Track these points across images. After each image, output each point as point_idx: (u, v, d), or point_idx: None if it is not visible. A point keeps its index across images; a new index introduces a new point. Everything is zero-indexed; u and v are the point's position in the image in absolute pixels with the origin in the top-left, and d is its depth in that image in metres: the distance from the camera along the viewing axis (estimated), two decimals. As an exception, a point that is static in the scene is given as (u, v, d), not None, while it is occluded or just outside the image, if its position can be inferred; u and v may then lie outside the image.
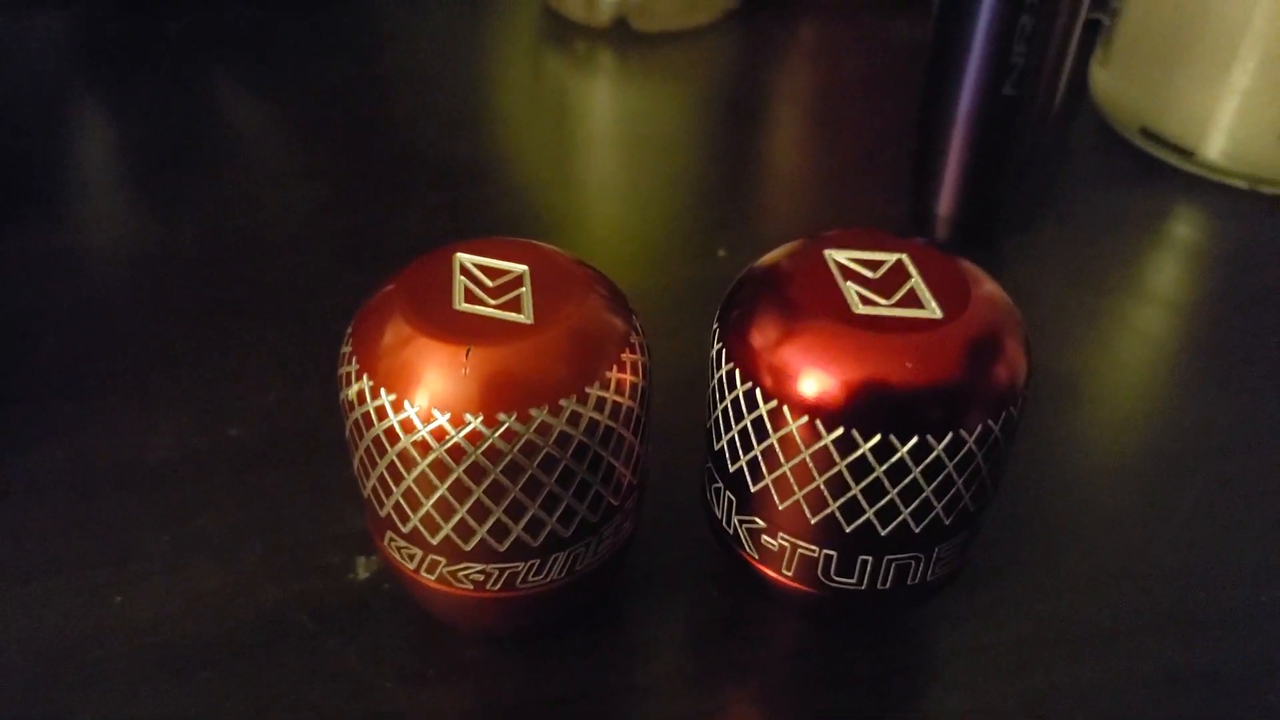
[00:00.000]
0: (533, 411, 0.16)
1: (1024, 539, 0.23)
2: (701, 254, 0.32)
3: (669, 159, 0.38)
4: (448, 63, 0.45)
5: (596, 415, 0.16)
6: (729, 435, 0.18)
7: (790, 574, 0.19)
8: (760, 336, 0.17)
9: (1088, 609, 0.22)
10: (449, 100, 0.42)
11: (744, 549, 0.19)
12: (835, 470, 0.17)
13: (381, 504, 0.17)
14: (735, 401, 0.18)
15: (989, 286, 0.18)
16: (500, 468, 0.16)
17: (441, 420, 0.16)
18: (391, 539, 0.18)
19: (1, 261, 0.31)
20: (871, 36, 0.46)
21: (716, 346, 0.18)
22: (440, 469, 0.16)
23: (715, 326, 0.18)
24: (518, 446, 0.16)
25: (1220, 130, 0.35)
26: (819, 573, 0.18)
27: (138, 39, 0.44)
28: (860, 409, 0.16)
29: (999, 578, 0.22)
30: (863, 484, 0.17)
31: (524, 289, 0.17)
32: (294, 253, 0.32)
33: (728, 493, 0.19)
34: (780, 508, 0.18)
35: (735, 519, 0.19)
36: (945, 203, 0.31)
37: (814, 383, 0.16)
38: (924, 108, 0.30)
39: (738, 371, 0.17)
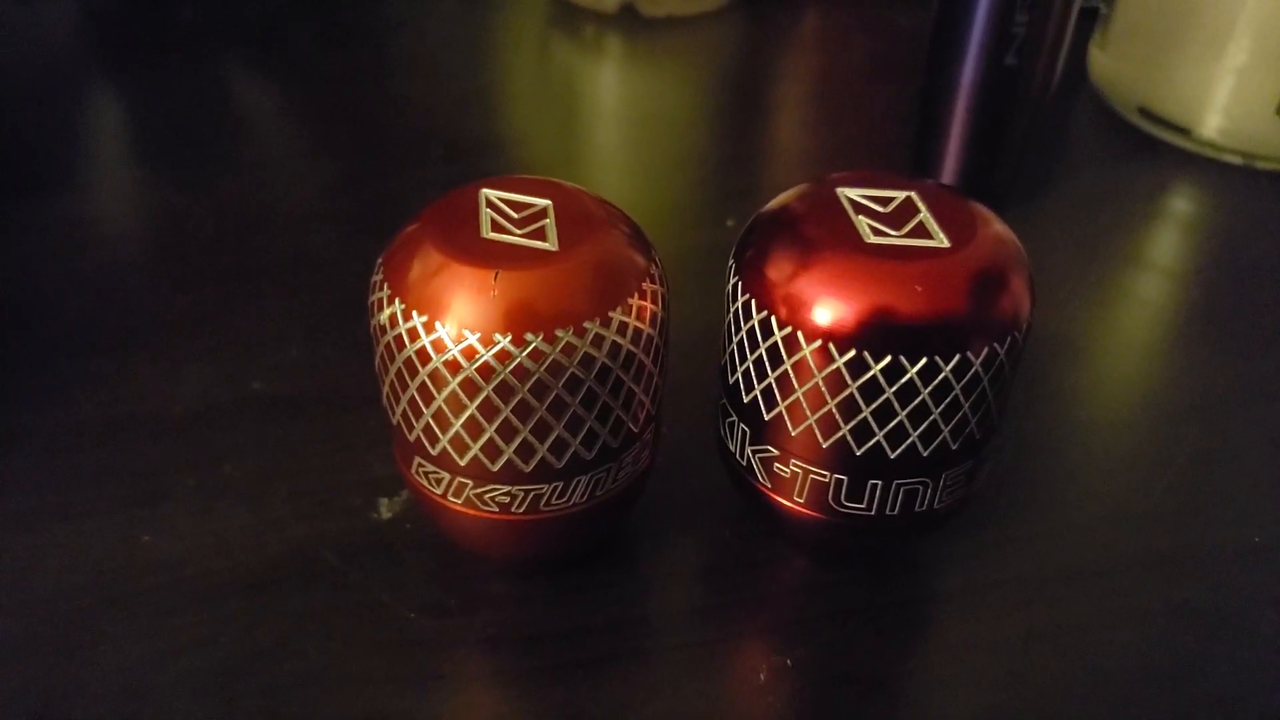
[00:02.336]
0: (558, 332, 0.17)
1: (1026, 484, 0.24)
2: (710, 223, 0.33)
3: (676, 138, 0.39)
4: (457, 48, 0.46)
5: (619, 339, 0.17)
6: (744, 366, 0.19)
7: (802, 500, 0.19)
8: (775, 267, 0.18)
9: (1087, 549, 0.22)
10: (459, 84, 0.43)
11: (757, 479, 0.20)
12: (847, 393, 0.17)
13: (411, 428, 0.18)
14: (751, 331, 0.18)
15: (995, 222, 0.18)
16: (528, 387, 0.17)
17: (472, 340, 0.16)
18: (420, 465, 0.19)
19: (28, 229, 0.32)
20: (874, 24, 0.47)
21: (732, 281, 0.19)
22: (470, 388, 0.17)
23: (731, 263, 0.19)
24: (544, 366, 0.17)
25: (1216, 108, 0.36)
26: (830, 498, 0.19)
27: (151, 26, 0.45)
28: (871, 332, 0.17)
29: (1002, 520, 0.23)
30: (873, 406, 0.17)
31: (548, 220, 0.18)
32: (311, 224, 0.33)
33: (742, 425, 0.20)
34: (793, 434, 0.18)
35: (749, 450, 0.20)
36: (948, 172, 0.32)
37: (827, 308, 0.17)
38: (928, 79, 0.31)
39: (754, 302, 0.18)
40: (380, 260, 0.18)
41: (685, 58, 0.45)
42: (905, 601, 0.21)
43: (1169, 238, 0.34)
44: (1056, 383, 0.27)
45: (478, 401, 0.17)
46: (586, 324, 0.17)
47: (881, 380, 0.17)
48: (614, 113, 0.42)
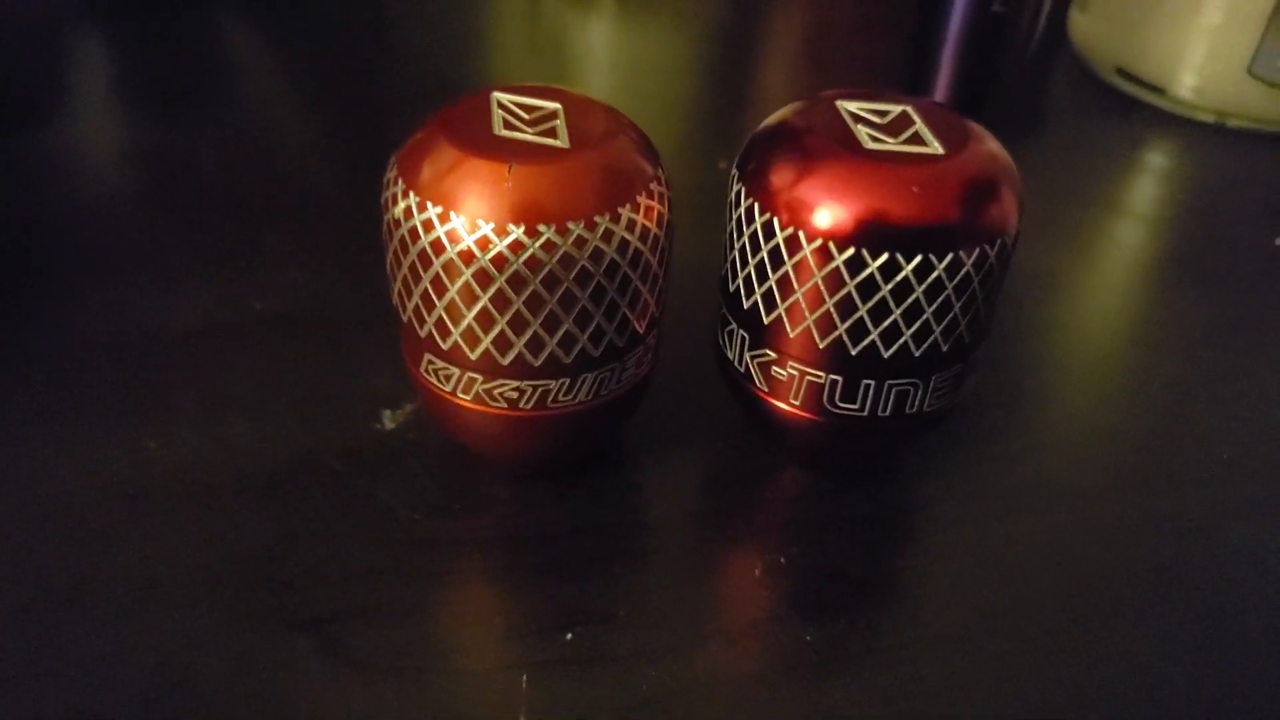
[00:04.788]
0: (570, 225, 0.17)
1: (1009, 405, 0.25)
2: (703, 166, 0.34)
3: (667, 87, 0.40)
4: (448, 3, 0.46)
5: (627, 235, 0.18)
6: (745, 272, 0.19)
7: (798, 403, 0.20)
8: (777, 173, 0.19)
9: (1066, 465, 0.23)
10: (451, 35, 0.43)
11: (755, 384, 0.20)
12: (845, 291, 0.18)
13: (423, 322, 0.19)
14: (754, 236, 0.19)
15: (986, 136, 0.19)
16: (539, 278, 0.17)
17: (485, 230, 0.17)
18: (429, 362, 0.19)
19: (28, 159, 0.32)
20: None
21: (735, 189, 0.20)
22: (483, 278, 0.17)
23: (734, 171, 0.20)
24: (556, 258, 0.17)
25: (1190, 68, 0.37)
26: (825, 400, 0.20)
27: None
28: (869, 231, 0.18)
29: (986, 437, 0.24)
30: (869, 304, 0.18)
31: (559, 121, 0.18)
32: (308, 159, 0.33)
33: (741, 331, 0.20)
34: (791, 336, 0.19)
35: (748, 355, 0.20)
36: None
37: (828, 209, 0.18)
38: (918, 26, 0.32)
39: (756, 206, 0.19)
40: (394, 158, 0.19)
41: (675, 9, 0.46)
42: (895, 508, 0.22)
43: (1144, 188, 0.35)
44: (1039, 314, 0.28)
45: (490, 293, 0.17)
46: (597, 218, 0.17)
47: (878, 278, 0.18)
48: (604, 62, 0.42)
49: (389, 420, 0.23)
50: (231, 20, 0.43)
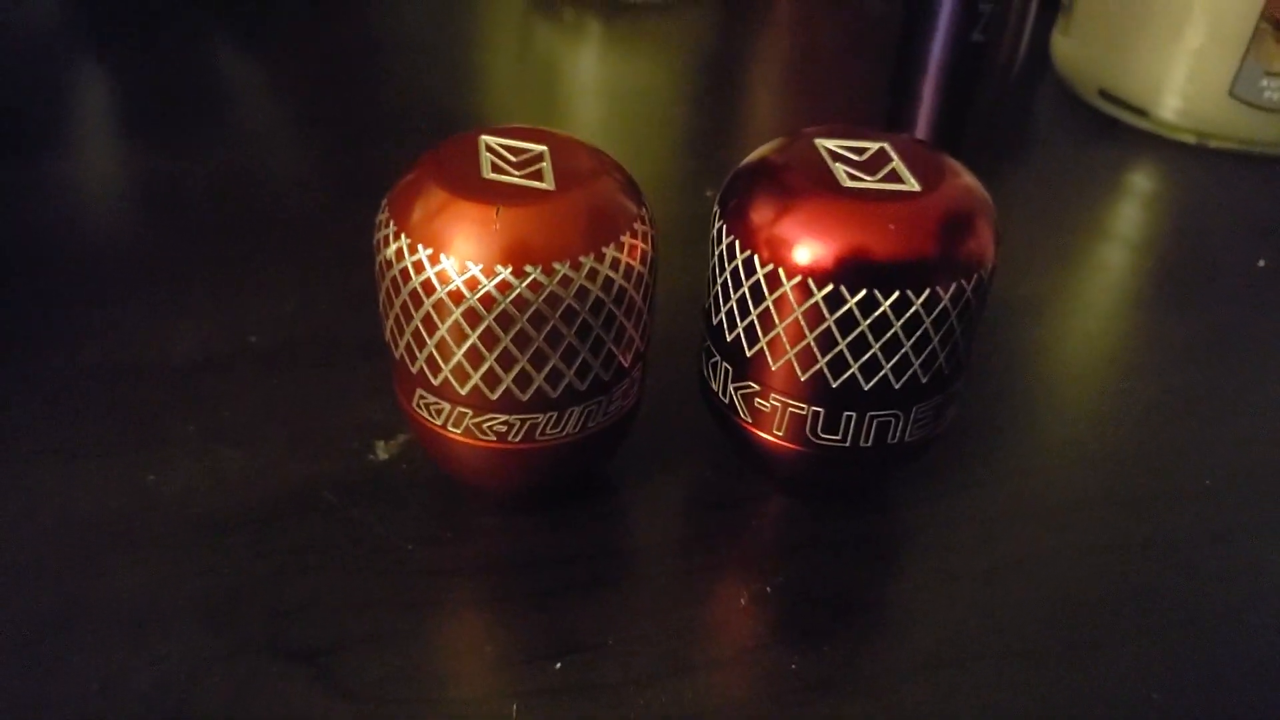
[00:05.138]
0: (556, 265, 0.18)
1: (991, 431, 0.25)
2: (690, 194, 0.34)
3: (654, 115, 0.40)
4: (439, 28, 0.46)
5: (612, 274, 0.18)
6: (728, 306, 0.20)
7: (781, 434, 0.20)
8: (757, 211, 0.19)
9: (1049, 490, 0.24)
10: (442, 63, 0.44)
11: (739, 415, 0.21)
12: (824, 326, 0.19)
13: (414, 359, 0.19)
14: (735, 272, 0.19)
15: (962, 171, 0.20)
16: (527, 316, 0.18)
17: (474, 271, 0.17)
18: (421, 397, 0.20)
19: (24, 189, 0.33)
20: (845, 8, 0.48)
21: (717, 226, 0.20)
22: (472, 318, 0.18)
23: (715, 209, 0.20)
24: (542, 297, 0.18)
25: (1173, 90, 0.38)
26: (807, 431, 0.20)
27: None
28: (848, 268, 0.18)
29: (969, 463, 0.24)
30: (849, 338, 0.19)
31: (545, 164, 0.19)
32: (303, 188, 0.34)
33: (724, 364, 0.21)
34: (773, 368, 0.20)
35: (731, 387, 0.21)
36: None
37: (807, 247, 0.18)
38: (899, 54, 0.32)
39: (737, 243, 0.19)
40: (385, 200, 0.19)
41: (662, 39, 0.46)
42: (879, 535, 0.23)
43: (1127, 210, 0.36)
44: (1020, 339, 0.29)
45: (479, 331, 0.18)
46: (582, 258, 0.18)
47: (857, 313, 0.18)
48: (593, 90, 0.43)
49: (382, 451, 0.24)
50: (226, 50, 0.43)
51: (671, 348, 0.25)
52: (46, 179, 0.33)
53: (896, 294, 0.18)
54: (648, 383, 0.22)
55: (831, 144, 0.20)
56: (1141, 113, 0.39)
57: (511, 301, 0.18)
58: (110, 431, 0.24)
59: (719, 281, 0.20)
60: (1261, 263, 0.32)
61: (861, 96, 0.40)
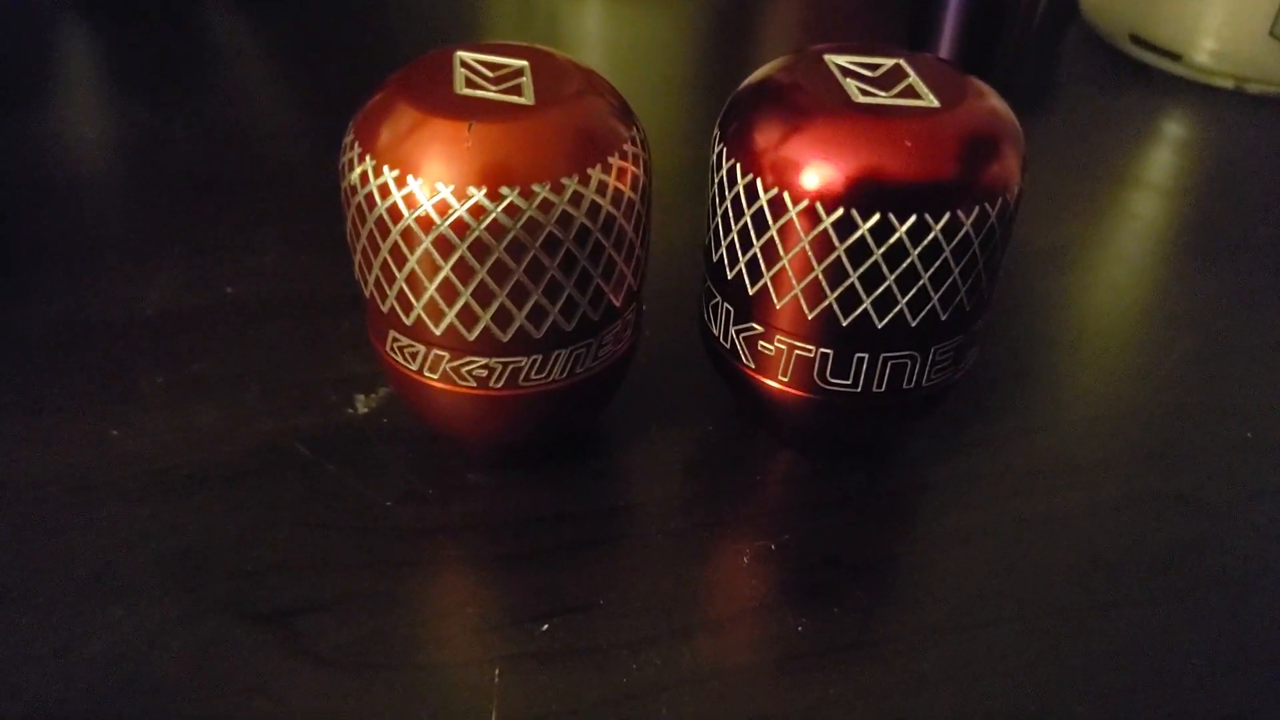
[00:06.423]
0: (535, 187, 0.16)
1: (1017, 383, 0.24)
2: (697, 142, 0.32)
3: (665, 66, 0.39)
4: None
5: (598, 198, 0.17)
6: (729, 239, 0.18)
7: (787, 379, 0.19)
8: (760, 131, 0.17)
9: (1078, 444, 0.22)
10: (442, 19, 0.42)
11: (741, 361, 0.19)
12: (834, 256, 0.17)
13: (384, 296, 0.17)
14: (736, 199, 0.18)
15: (986, 90, 0.18)
16: (503, 246, 0.16)
17: (445, 194, 0.16)
18: (394, 340, 0.18)
19: (2, 143, 0.31)
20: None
21: (716, 150, 0.18)
22: (444, 247, 0.16)
23: (715, 132, 0.19)
24: (520, 223, 0.16)
25: (1209, 33, 0.36)
26: (815, 375, 0.18)
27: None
28: (860, 191, 0.16)
29: (993, 416, 0.23)
30: (860, 270, 0.17)
31: (525, 79, 0.17)
32: (285, 142, 0.32)
33: (726, 304, 0.19)
34: (778, 307, 0.18)
35: (733, 330, 0.19)
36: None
37: (813, 168, 0.17)
38: (916, 2, 0.31)
39: (738, 166, 0.18)
40: (350, 125, 0.18)
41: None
42: (894, 491, 0.21)
43: (1159, 158, 0.34)
44: (1047, 289, 0.27)
45: (452, 262, 0.16)
46: (564, 180, 0.16)
47: (870, 240, 0.17)
48: (600, 41, 0.41)
49: (361, 405, 0.22)
50: (208, 3, 0.42)
51: (675, 299, 0.23)
52: (22, 132, 0.32)
53: (913, 219, 0.16)
54: (647, 333, 0.21)
55: (842, 60, 0.18)
56: (1175, 57, 0.37)
57: (486, 228, 0.16)
58: (76, 385, 0.23)
59: (719, 212, 0.18)
60: (1305, 210, 0.30)
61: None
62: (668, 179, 0.30)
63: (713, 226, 0.19)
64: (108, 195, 0.29)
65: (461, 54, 0.18)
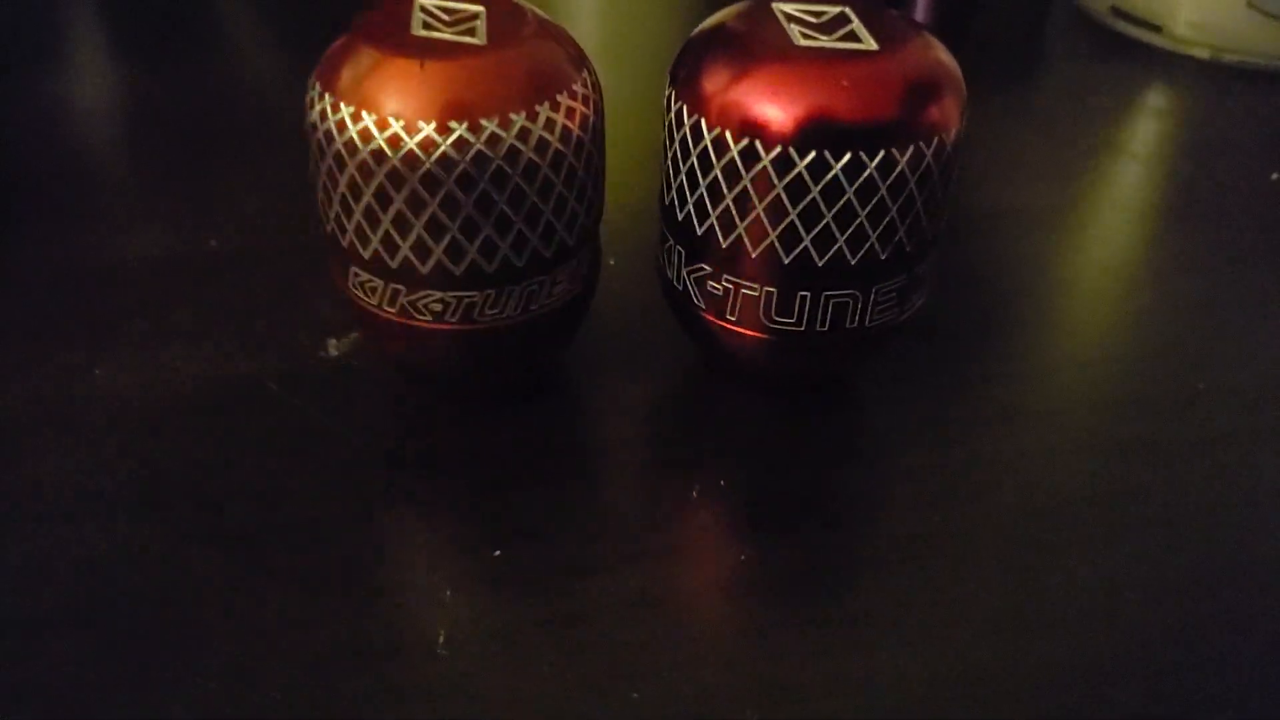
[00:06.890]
0: (483, 122, 0.17)
1: (982, 333, 0.24)
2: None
3: (637, 31, 0.39)
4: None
5: (546, 135, 0.17)
6: (678, 181, 0.19)
7: (735, 318, 0.19)
8: (705, 74, 0.18)
9: (1032, 392, 0.23)
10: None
11: (694, 302, 0.20)
12: (774, 194, 0.17)
13: (344, 230, 0.18)
14: (684, 141, 0.18)
15: (931, 41, 0.18)
16: (453, 178, 0.17)
17: (396, 128, 0.17)
18: (355, 275, 0.19)
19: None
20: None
21: (666, 94, 0.19)
22: (396, 179, 0.17)
23: (667, 76, 0.19)
24: (469, 156, 0.17)
25: (1187, 5, 0.36)
26: (761, 314, 0.19)
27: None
28: (797, 129, 0.17)
29: (948, 365, 0.23)
30: (799, 207, 0.18)
31: (479, 22, 0.18)
32: (275, 101, 0.33)
33: (678, 247, 0.20)
34: (724, 246, 0.19)
35: (685, 271, 0.20)
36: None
37: (753, 107, 0.17)
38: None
39: (685, 109, 0.18)
40: (315, 69, 0.18)
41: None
42: (845, 432, 0.21)
43: (1137, 126, 0.34)
44: (1021, 250, 0.27)
45: (404, 194, 0.17)
46: (513, 115, 0.17)
47: (807, 178, 0.17)
48: (585, 9, 0.42)
49: (333, 348, 0.23)
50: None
51: (644, 248, 0.24)
52: (8, 89, 0.33)
53: (848, 156, 0.17)
54: (616, 284, 0.21)
55: (789, 8, 0.19)
56: (1155, 28, 0.37)
57: (436, 160, 0.17)
58: (59, 328, 0.23)
59: (669, 155, 0.19)
60: (1275, 176, 0.31)
61: None
62: (641, 130, 0.31)
63: (665, 170, 0.19)
64: (94, 149, 0.30)
65: (422, 1, 0.18)
